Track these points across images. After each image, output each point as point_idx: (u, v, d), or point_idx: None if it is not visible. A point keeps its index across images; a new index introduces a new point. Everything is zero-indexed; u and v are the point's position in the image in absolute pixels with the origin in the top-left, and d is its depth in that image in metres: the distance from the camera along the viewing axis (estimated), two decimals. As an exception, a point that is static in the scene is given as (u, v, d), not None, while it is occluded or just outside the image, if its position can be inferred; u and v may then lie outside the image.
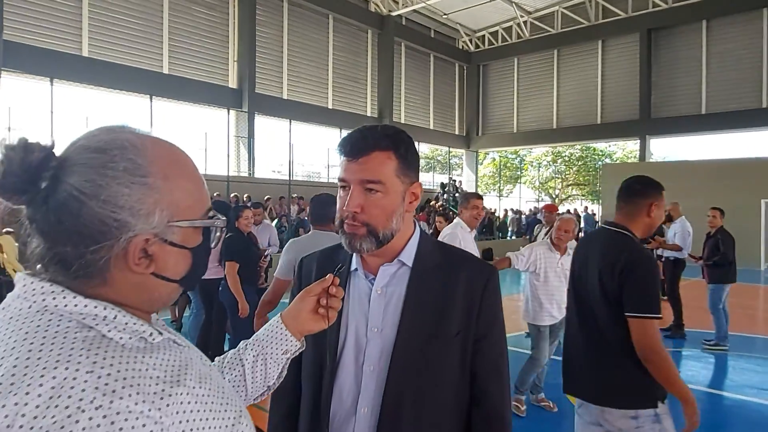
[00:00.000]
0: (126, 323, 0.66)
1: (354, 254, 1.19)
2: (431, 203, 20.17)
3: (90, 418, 0.55)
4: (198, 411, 0.67)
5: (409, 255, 1.18)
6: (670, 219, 7.47)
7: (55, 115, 10.04)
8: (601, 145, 32.39)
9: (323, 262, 1.26)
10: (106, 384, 0.58)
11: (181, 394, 0.65)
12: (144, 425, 0.59)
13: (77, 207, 0.63)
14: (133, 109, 14.37)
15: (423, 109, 24.62)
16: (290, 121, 14.67)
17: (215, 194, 13.23)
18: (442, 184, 23.26)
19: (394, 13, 21.41)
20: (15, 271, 4.87)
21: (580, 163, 34.32)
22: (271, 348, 1.02)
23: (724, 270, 6.58)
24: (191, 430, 0.65)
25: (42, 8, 12.98)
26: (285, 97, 18.28)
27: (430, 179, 28.46)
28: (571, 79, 23.80)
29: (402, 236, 1.17)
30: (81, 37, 13.67)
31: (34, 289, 0.65)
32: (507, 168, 34.14)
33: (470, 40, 26.41)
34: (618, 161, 32.00)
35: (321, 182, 19.07)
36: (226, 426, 0.70)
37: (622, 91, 22.12)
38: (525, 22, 24.16)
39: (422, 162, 32.25)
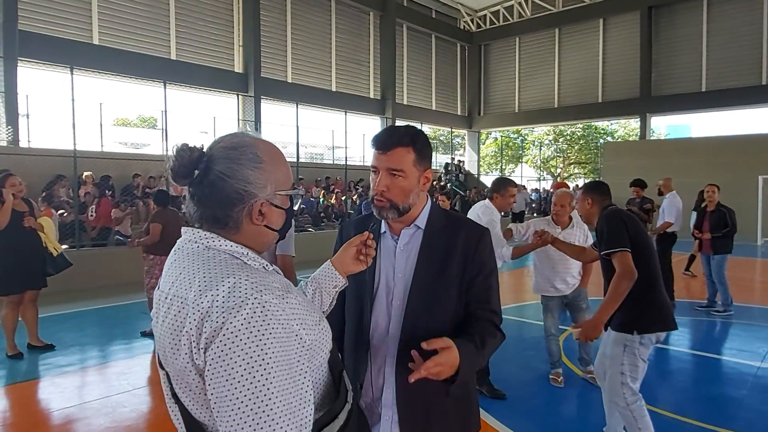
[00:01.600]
0: (255, 257, 1.05)
1: (383, 221, 1.62)
2: (434, 183, 20.56)
3: (252, 303, 0.90)
4: (301, 309, 1.00)
5: (422, 220, 1.61)
6: (660, 193, 7.91)
7: (62, 101, 10.42)
8: (602, 124, 32.55)
9: (359, 226, 1.70)
10: (256, 286, 0.93)
11: (291, 297, 0.98)
12: (277, 310, 0.92)
13: (222, 184, 1.03)
14: (146, 95, 14.68)
15: (425, 90, 24.85)
16: (297, 105, 15.00)
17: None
18: (445, 164, 23.62)
19: (395, -5, 21.50)
20: (55, 249, 5.35)
21: (581, 141, 34.52)
22: (325, 283, 1.44)
23: (728, 241, 7.14)
24: (299, 318, 0.98)
25: (52, -3, 13.26)
26: (290, 80, 18.57)
27: (433, 160, 28.75)
28: (573, 58, 23.94)
29: (418, 207, 1.59)
30: (92, 25, 13.98)
31: (200, 236, 1.04)
32: (509, 147, 34.39)
33: (472, 20, 26.49)
34: (619, 139, 32.20)
35: (325, 164, 19.47)
36: (315, 321, 1.04)
37: (623, 69, 22.27)
38: (526, 1, 24.26)
39: (425, 142, 32.58)
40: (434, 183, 20.51)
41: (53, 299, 5.78)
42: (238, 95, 14.90)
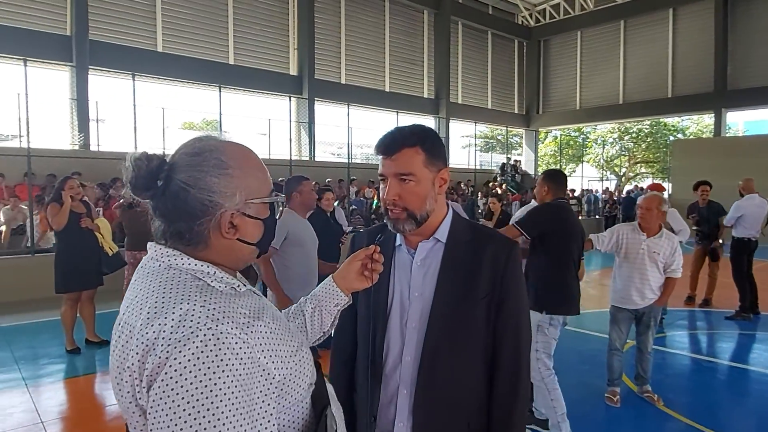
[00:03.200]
0: (222, 277, 0.93)
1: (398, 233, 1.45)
2: (489, 184, 20.11)
3: (204, 335, 0.79)
4: (272, 338, 0.90)
5: (443, 233, 1.43)
6: (742, 196, 7.23)
7: (129, 106, 10.95)
8: (672, 120, 30.79)
9: (372, 238, 1.50)
10: (213, 314, 0.83)
11: (260, 325, 0.88)
12: (236, 343, 0.82)
13: (185, 195, 0.92)
14: (203, 99, 15.19)
15: (481, 89, 24.36)
16: (348, 105, 15.05)
17: (279, 179, 13.91)
18: (501, 164, 23.07)
19: (450, -8, 21.20)
20: (111, 249, 5.55)
21: (649, 139, 32.79)
22: (326, 301, 1.31)
23: None
24: (269, 350, 0.88)
25: (121, 8, 13.95)
26: (343, 81, 18.69)
27: (488, 159, 28.22)
28: (639, 51, 22.73)
29: (436, 216, 1.42)
30: (156, 34, 14.61)
31: (162, 254, 0.93)
32: (569, 146, 33.17)
33: (530, 15, 25.74)
34: (691, 136, 30.35)
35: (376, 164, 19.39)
36: (291, 351, 0.94)
37: (695, 62, 20.92)
38: (588, -7, 23.27)
39: (480, 142, 32.04)
40: (489, 183, 20.08)
41: (109, 297, 6.01)
42: (290, 97, 15.16)
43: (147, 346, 0.81)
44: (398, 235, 1.48)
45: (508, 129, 26.15)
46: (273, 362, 0.88)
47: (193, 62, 15.03)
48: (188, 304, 0.84)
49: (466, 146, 25.15)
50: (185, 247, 0.95)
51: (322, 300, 1.32)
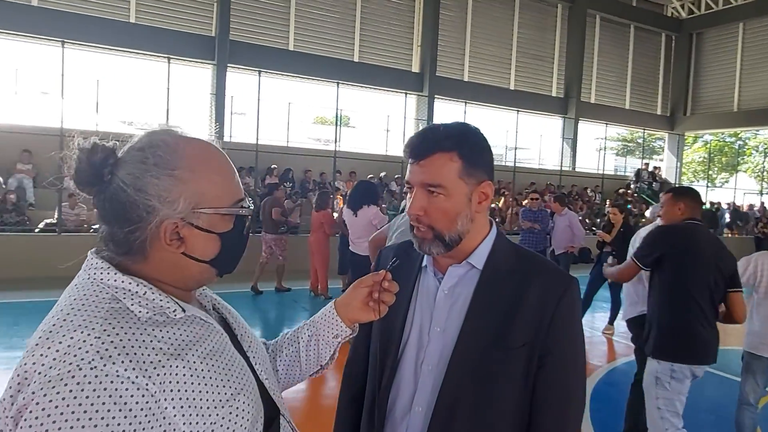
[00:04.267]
0: (153, 299, 0.79)
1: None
2: (621, 191, 18.47)
3: (84, 375, 0.66)
4: (192, 383, 0.76)
5: (479, 257, 1.16)
6: None
7: (262, 101, 11.69)
8: None
9: (399, 256, 1.26)
10: (107, 350, 0.69)
11: (177, 366, 0.75)
12: (127, 389, 0.68)
13: (122, 195, 0.80)
14: (325, 93, 15.80)
15: (618, 87, 22.43)
16: (465, 103, 14.72)
17: (396, 176, 14.02)
18: (637, 171, 21.09)
19: (589, -16, 19.77)
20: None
21: (826, 148, 27.93)
22: (324, 330, 1.12)
23: None
24: (181, 398, 0.74)
25: (260, 10, 14.99)
26: (466, 79, 18.32)
27: (623, 165, 25.96)
28: (817, 45, 19.41)
29: (473, 237, 1.16)
30: (288, 33, 15.47)
31: (90, 265, 0.82)
32: (722, 153, 29.37)
33: (682, 6, 23.14)
34: None
35: (499, 165, 18.76)
36: (220, 400, 0.79)
37: None
38: (756, -20, 20.31)
39: (617, 145, 29.56)
40: (622, 192, 18.42)
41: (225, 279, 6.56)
42: (406, 94, 15.17)
43: (22, 378, 0.69)
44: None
45: (648, 131, 23.79)
46: (185, 414, 0.74)
47: (320, 60, 15.66)
48: (83, 332, 0.71)
49: (600, 149, 23.38)
50: (123, 256, 0.83)
51: (320, 328, 1.13)
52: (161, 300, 0.80)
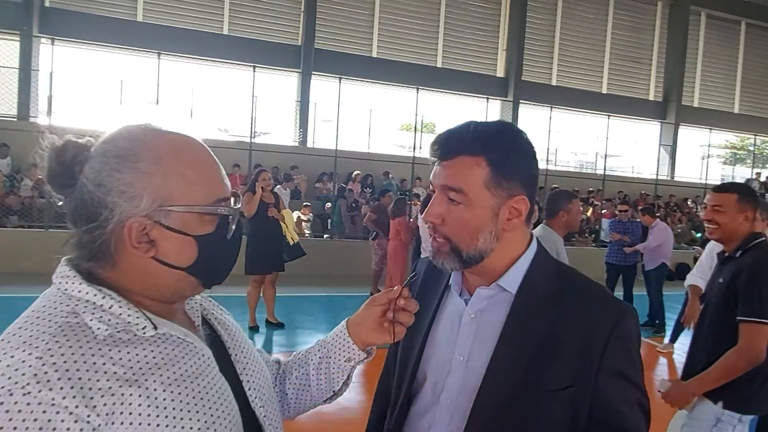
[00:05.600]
0: (119, 314, 0.71)
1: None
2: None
3: (15, 402, 0.59)
4: (149, 415, 0.66)
5: (513, 279, 0.99)
6: None
7: (345, 107, 11.91)
8: None
9: (430, 269, 1.12)
10: (45, 372, 0.61)
11: (133, 395, 0.66)
12: (62, 420, 0.60)
13: (83, 191, 0.72)
14: (408, 100, 15.82)
15: (726, 90, 20.53)
16: (551, 108, 14.11)
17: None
18: (746, 180, 19.17)
19: (693, -22, 18.33)
20: (292, 239, 5.99)
21: None
22: (335, 353, 1.00)
23: None
24: (135, 429, 0.65)
25: (345, 18, 15.31)
26: (554, 83, 17.61)
27: (731, 174, 23.77)
28: None
29: (502, 256, 0.99)
30: (372, 41, 15.67)
31: (59, 273, 0.74)
32: None
33: (804, -1, 20.81)
34: None
35: (587, 173, 17.79)
36: (195, 427, 0.70)
37: None
38: None
39: (724, 152, 27.12)
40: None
41: (290, 281, 6.65)
42: (487, 99, 14.80)
43: None
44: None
45: (760, 137, 21.55)
46: None
47: (402, 66, 15.71)
48: (24, 351, 0.63)
49: (704, 157, 21.54)
50: (90, 262, 0.74)
51: (331, 350, 1.01)
52: (129, 315, 0.71)
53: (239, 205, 0.82)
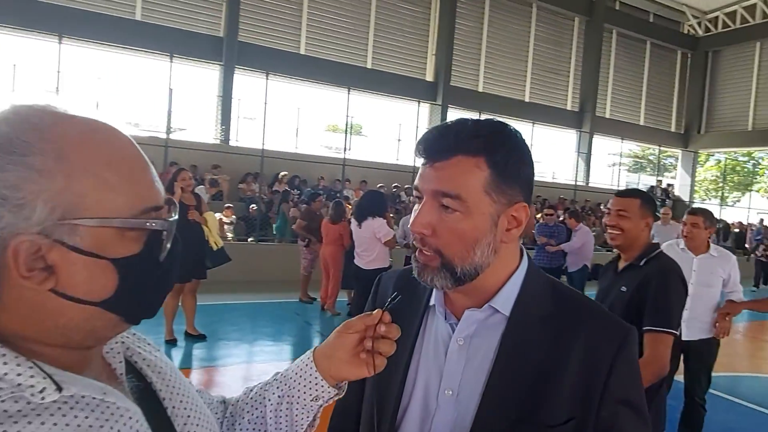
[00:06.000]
0: (3, 374, 0.51)
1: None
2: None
3: None
4: None
5: (506, 299, 0.86)
6: None
7: (271, 105, 11.37)
8: None
9: (401, 286, 0.97)
10: None
11: None
12: None
13: None
14: (336, 100, 15.54)
15: (633, 103, 22.07)
16: (480, 113, 14.38)
17: (406, 186, 13.64)
18: (650, 188, 20.67)
19: (607, -2, 19.51)
20: (216, 244, 5.51)
21: (842, 171, 27.45)
22: (299, 390, 0.81)
23: None
24: None
25: (269, 12, 14.74)
26: (480, 89, 18.04)
27: (635, 181, 25.61)
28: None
29: (496, 273, 0.86)
30: (300, 37, 15.22)
31: None
32: (735, 172, 28.90)
33: (699, 24, 22.84)
34: None
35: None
36: None
37: None
38: (776, -2, 19.98)
39: (629, 161, 29.20)
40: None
41: (212, 289, 6.22)
42: (418, 102, 14.84)
43: None
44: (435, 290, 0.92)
45: (662, 149, 23.39)
46: None
47: (332, 65, 15.40)
48: None
49: (612, 165, 22.98)
50: None
51: (293, 387, 0.81)
52: (19, 374, 0.51)
53: (175, 216, 0.61)
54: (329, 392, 0.81)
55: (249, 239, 10.40)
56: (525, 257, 0.91)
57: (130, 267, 0.56)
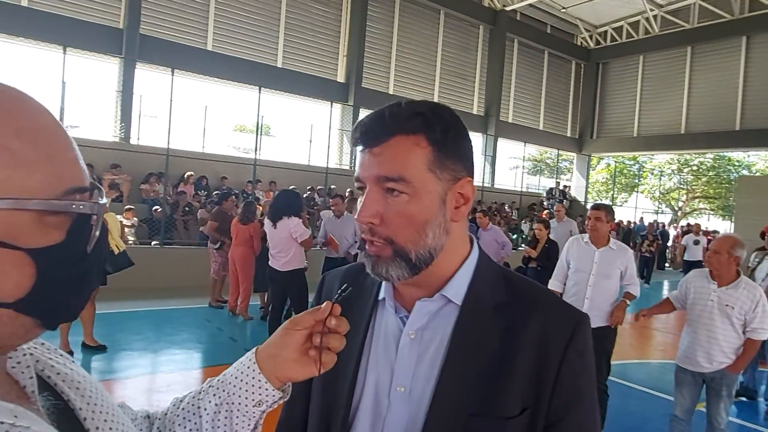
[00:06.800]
0: None
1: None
2: (534, 208, 19.17)
3: None
4: None
5: (458, 288, 0.84)
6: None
7: (176, 103, 10.78)
8: (738, 155, 28.94)
9: (348, 282, 0.90)
10: None
11: None
12: None
13: None
14: (245, 99, 15.09)
15: (533, 109, 23.46)
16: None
17: (318, 187, 13.52)
18: (549, 189, 22.06)
19: (508, 8, 20.56)
20: (117, 247, 5.16)
21: (711, 173, 30.93)
22: (239, 396, 0.74)
23: None
24: None
25: (175, 5, 13.99)
26: (391, 92, 18.28)
27: (536, 183, 27.23)
28: (706, 80, 21.37)
29: (449, 259, 0.83)
30: (207, 33, 14.60)
31: None
32: (623, 175, 31.65)
33: (590, 36, 24.72)
34: (758, 173, 28.41)
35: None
36: None
37: (769, 95, 19.44)
38: (655, 16, 22.09)
39: (529, 164, 30.98)
40: (533, 206, 19.11)
41: (111, 296, 5.78)
42: (331, 103, 14.80)
43: None
44: (383, 282, 0.88)
45: (559, 152, 25.07)
46: None
47: (241, 63, 14.91)
48: None
49: (514, 168, 24.29)
50: None
51: (233, 393, 0.74)
52: None
53: (104, 200, 0.53)
54: (273, 395, 0.74)
55: (153, 243, 9.83)
56: (475, 246, 0.89)
57: (50, 259, 0.48)
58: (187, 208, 10.78)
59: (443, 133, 0.79)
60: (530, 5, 20.88)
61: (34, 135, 0.47)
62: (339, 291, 0.77)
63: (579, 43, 24.91)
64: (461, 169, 0.82)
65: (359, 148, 0.81)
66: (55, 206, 0.47)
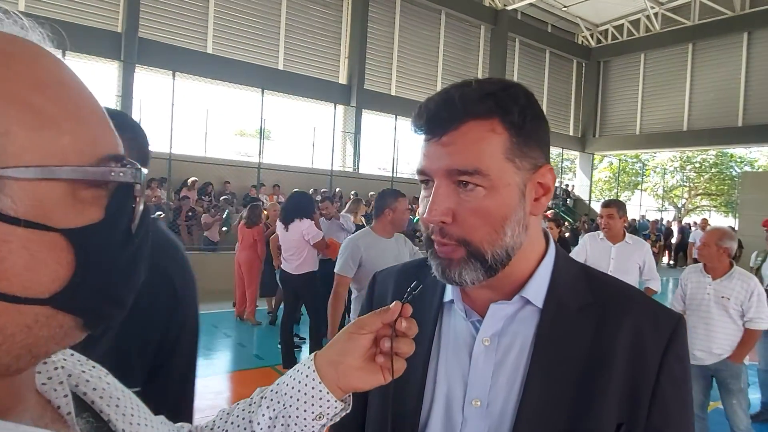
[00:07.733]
0: None
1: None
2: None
3: None
4: None
5: (538, 288, 0.74)
6: None
7: (177, 107, 10.64)
8: (740, 151, 28.84)
9: (403, 282, 0.83)
10: None
11: None
12: None
13: None
14: (246, 103, 15.01)
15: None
16: (396, 117, 14.49)
17: (322, 190, 13.38)
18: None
19: (509, 8, 20.50)
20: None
21: (713, 170, 30.83)
22: (297, 408, 0.65)
23: None
24: None
25: (172, 7, 13.89)
26: (393, 93, 18.20)
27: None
28: (708, 76, 21.29)
29: (526, 257, 0.74)
30: (206, 35, 14.49)
31: None
32: (626, 173, 31.55)
33: (591, 35, 24.66)
34: (761, 169, 28.31)
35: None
36: None
37: (772, 90, 19.36)
38: (656, 14, 22.00)
39: (531, 164, 30.87)
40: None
41: None
42: (334, 105, 14.69)
43: None
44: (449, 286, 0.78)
45: (562, 151, 24.98)
46: None
47: (242, 65, 14.81)
48: None
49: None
50: None
51: (290, 405, 0.66)
52: None
53: (145, 170, 0.41)
54: (335, 407, 0.66)
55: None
56: (551, 241, 0.79)
57: (90, 242, 0.37)
58: (190, 213, 10.64)
59: (521, 115, 0.68)
60: (531, 4, 20.82)
61: (58, 89, 0.38)
62: (409, 289, 0.69)
63: (580, 42, 24.85)
64: (540, 155, 0.72)
65: (423, 137, 0.70)
66: (91, 174, 0.37)
